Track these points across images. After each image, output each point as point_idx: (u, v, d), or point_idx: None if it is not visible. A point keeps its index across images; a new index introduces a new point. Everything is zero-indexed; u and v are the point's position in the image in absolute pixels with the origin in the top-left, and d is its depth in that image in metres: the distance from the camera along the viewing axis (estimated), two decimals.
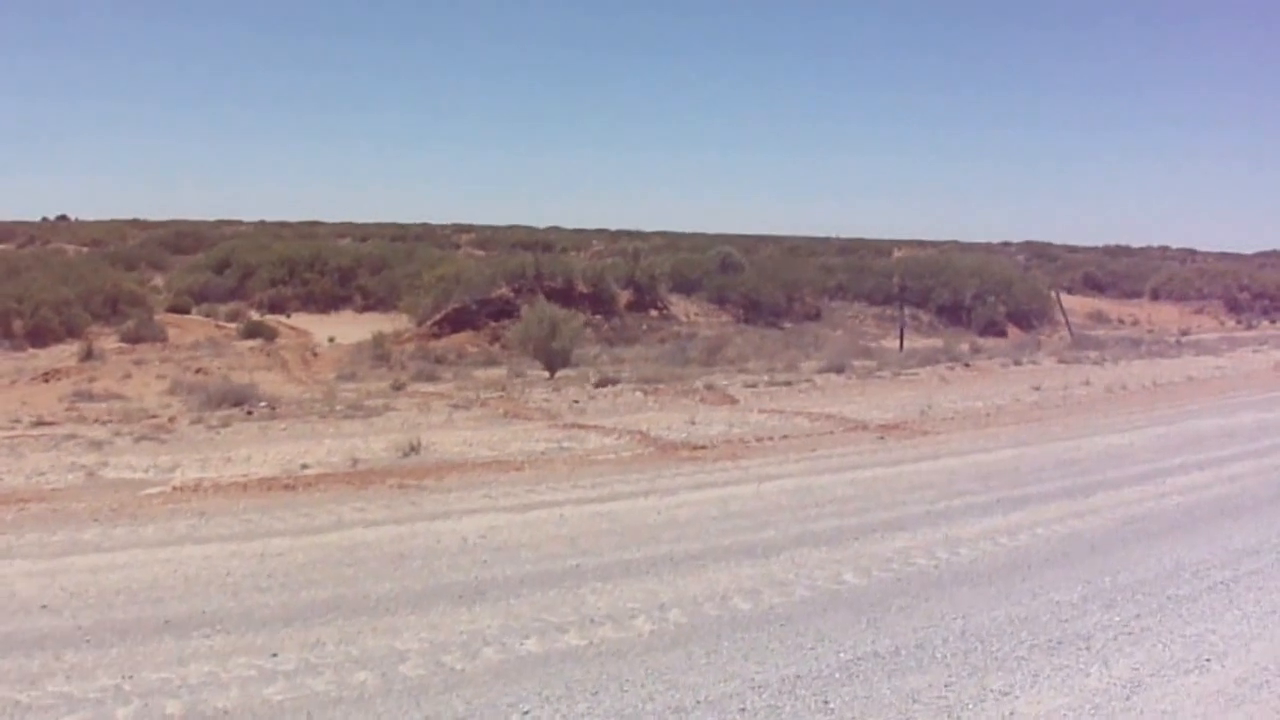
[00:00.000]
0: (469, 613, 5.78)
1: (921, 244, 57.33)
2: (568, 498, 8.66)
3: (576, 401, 14.47)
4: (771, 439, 11.77)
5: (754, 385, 16.32)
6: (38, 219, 69.11)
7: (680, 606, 5.92)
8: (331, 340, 26.68)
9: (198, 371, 20.20)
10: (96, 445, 10.67)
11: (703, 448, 11.10)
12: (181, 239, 45.00)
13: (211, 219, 70.39)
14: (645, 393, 15.35)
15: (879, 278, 31.52)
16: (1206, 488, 9.54)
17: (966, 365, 19.07)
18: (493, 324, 25.23)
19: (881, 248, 53.70)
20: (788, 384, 16.54)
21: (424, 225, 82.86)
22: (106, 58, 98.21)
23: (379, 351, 22.82)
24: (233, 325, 28.14)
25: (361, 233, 63.61)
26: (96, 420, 12.89)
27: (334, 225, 75.55)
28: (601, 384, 16.87)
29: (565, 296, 27.39)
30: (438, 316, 25.25)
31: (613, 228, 75.57)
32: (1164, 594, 6.35)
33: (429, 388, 17.60)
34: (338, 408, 13.56)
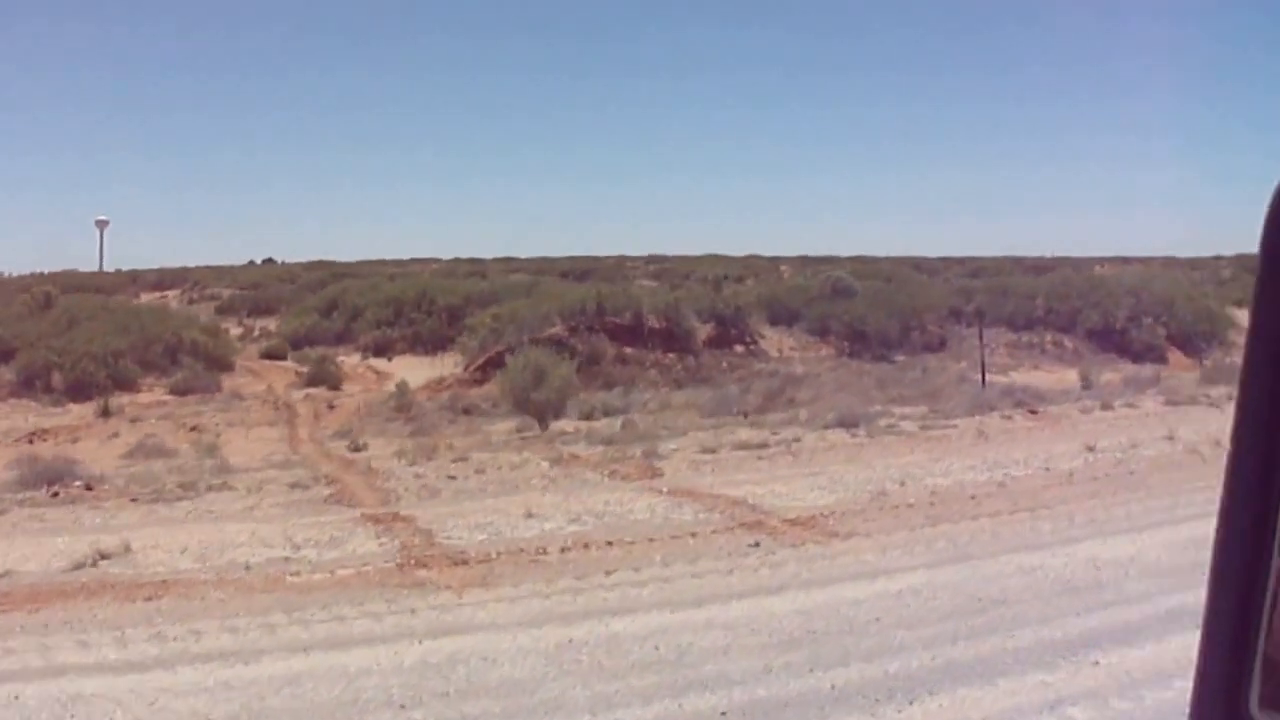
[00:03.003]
0: None
1: (1126, 260, 50.05)
2: (101, 661, 6.22)
3: (453, 477, 11.90)
4: (588, 546, 8.78)
5: (714, 450, 13.13)
6: (244, 262, 72.94)
7: None
8: (400, 384, 25.36)
9: (192, 429, 19.20)
10: None
11: (462, 564, 8.30)
12: (337, 280, 45.45)
13: (406, 258, 72.05)
14: (554, 462, 12.58)
15: (1021, 300, 26.80)
16: (1176, 676, 4.68)
17: (1033, 412, 14.94)
18: None
19: (1082, 265, 47.21)
20: (762, 446, 13.26)
21: (619, 258, 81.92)
22: (335, 109, 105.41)
23: (401, 402, 21.15)
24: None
25: (547, 267, 62.74)
26: None
27: (527, 261, 75.68)
28: (611, 441, 14.57)
29: (632, 333, 24.80)
30: (481, 360, 23.33)
31: (811, 254, 71.41)
32: None
33: (408, 443, 15.60)
34: (168, 487, 11.67)
